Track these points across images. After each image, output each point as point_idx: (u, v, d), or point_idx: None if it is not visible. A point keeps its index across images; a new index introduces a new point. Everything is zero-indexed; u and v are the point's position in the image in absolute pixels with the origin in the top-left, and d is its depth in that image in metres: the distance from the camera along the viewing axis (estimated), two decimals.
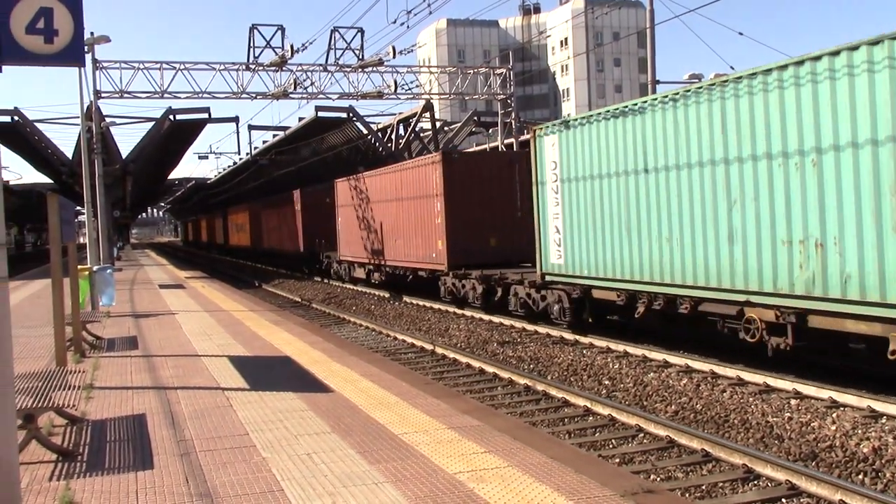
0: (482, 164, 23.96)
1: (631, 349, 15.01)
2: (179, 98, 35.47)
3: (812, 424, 9.82)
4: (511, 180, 23.05)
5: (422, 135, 46.24)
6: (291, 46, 32.58)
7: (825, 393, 11.03)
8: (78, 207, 43.23)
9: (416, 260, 25.41)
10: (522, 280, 19.11)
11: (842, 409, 10.48)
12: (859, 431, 9.40)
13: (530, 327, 18.57)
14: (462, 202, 22.90)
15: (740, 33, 31.59)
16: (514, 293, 19.54)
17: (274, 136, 54.92)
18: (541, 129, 18.28)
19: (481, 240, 22.74)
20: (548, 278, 17.93)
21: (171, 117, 40.00)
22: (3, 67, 5.16)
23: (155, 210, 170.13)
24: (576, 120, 16.83)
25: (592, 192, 16.15)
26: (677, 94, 13.82)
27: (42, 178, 67.74)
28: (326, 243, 37.74)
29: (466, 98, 41.46)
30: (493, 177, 23.24)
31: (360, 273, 32.07)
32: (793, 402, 10.93)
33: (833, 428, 9.60)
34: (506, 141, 36.62)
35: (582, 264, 16.59)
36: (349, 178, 33.31)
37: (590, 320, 17.10)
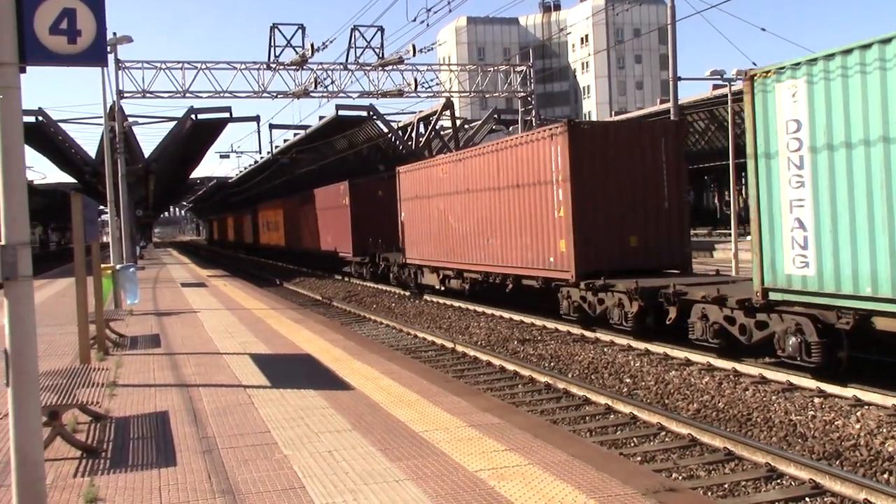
0: (618, 138, 18.15)
1: (652, 347, 14.93)
2: (201, 97, 35.86)
3: (836, 423, 9.72)
4: (656, 160, 18.02)
5: (442, 133, 46.28)
6: (312, 45, 32.75)
7: (849, 391, 10.91)
8: (101, 207, 43.58)
9: (521, 265, 19.97)
10: (723, 298, 13.39)
11: (866, 407, 10.38)
12: (884, 430, 9.30)
13: (551, 325, 18.51)
14: (593, 189, 17.49)
15: (763, 29, 31.37)
16: (700, 315, 13.97)
17: (295, 134, 55.26)
18: (766, 72, 12.23)
19: (618, 239, 17.64)
20: (775, 296, 12.19)
21: (193, 116, 40.34)
22: (28, 68, 5.20)
23: (177, 209, 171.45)
24: (848, 52, 10.77)
25: (888, 164, 10.28)
26: None
27: (66, 178, 68.50)
28: (384, 244, 32.44)
29: (487, 96, 41.46)
30: (634, 155, 17.91)
31: (432, 279, 26.63)
32: (816, 400, 10.83)
33: (857, 426, 9.51)
34: None
35: (857, 277, 10.76)
36: (418, 166, 28.29)
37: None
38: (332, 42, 34.58)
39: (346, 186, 36.12)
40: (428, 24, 34.29)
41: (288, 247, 53.12)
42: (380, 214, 33.11)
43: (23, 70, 5.10)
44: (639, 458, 8.89)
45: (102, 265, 15.97)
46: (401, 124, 47.61)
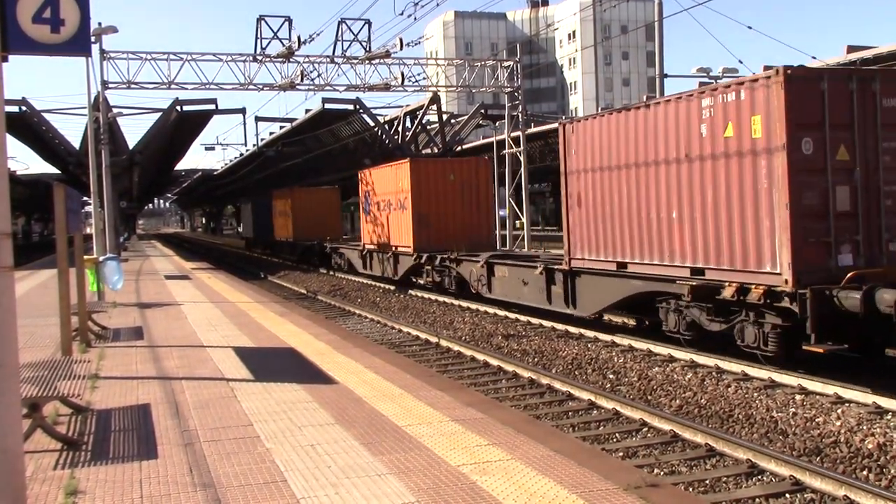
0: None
1: (636, 343, 14.98)
2: (186, 89, 35.55)
3: (817, 420, 9.80)
4: None
5: (428, 127, 46.21)
6: (299, 38, 32.55)
7: (830, 389, 10.99)
8: (85, 198, 43.31)
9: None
10: None
11: (847, 404, 10.46)
12: (864, 427, 9.37)
13: (535, 320, 18.54)
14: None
15: (749, 27, 31.35)
16: None
17: (281, 127, 55.06)
18: None
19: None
20: None
21: (179, 108, 40.09)
22: (11, 57, 5.15)
23: (161, 201, 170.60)
24: None
25: None
26: None
27: (49, 169, 67.94)
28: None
29: (473, 90, 41.36)
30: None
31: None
32: (798, 397, 10.91)
33: (838, 424, 9.58)
34: (513, 134, 36.49)
35: None
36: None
37: None
38: (318, 35, 34.31)
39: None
40: (415, 18, 34.06)
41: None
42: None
43: (5, 59, 5.05)
44: (621, 454, 8.92)
45: (85, 256, 15.86)
46: (387, 118, 47.47)
